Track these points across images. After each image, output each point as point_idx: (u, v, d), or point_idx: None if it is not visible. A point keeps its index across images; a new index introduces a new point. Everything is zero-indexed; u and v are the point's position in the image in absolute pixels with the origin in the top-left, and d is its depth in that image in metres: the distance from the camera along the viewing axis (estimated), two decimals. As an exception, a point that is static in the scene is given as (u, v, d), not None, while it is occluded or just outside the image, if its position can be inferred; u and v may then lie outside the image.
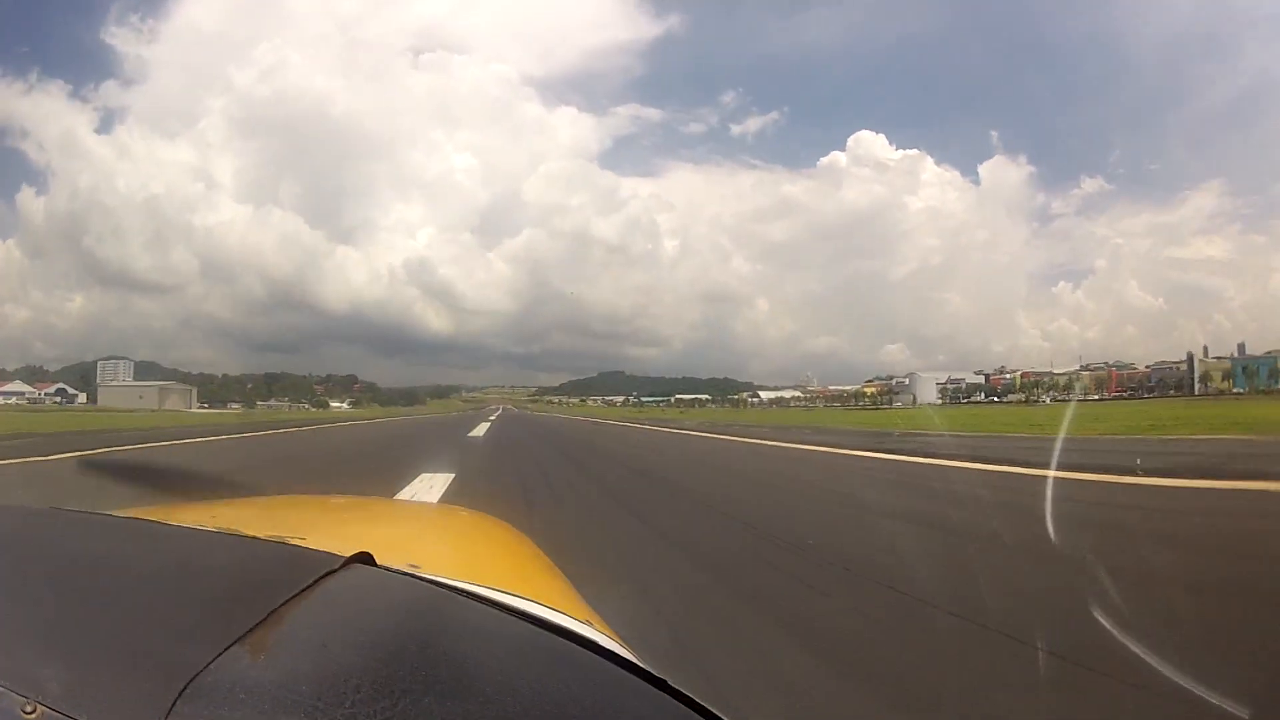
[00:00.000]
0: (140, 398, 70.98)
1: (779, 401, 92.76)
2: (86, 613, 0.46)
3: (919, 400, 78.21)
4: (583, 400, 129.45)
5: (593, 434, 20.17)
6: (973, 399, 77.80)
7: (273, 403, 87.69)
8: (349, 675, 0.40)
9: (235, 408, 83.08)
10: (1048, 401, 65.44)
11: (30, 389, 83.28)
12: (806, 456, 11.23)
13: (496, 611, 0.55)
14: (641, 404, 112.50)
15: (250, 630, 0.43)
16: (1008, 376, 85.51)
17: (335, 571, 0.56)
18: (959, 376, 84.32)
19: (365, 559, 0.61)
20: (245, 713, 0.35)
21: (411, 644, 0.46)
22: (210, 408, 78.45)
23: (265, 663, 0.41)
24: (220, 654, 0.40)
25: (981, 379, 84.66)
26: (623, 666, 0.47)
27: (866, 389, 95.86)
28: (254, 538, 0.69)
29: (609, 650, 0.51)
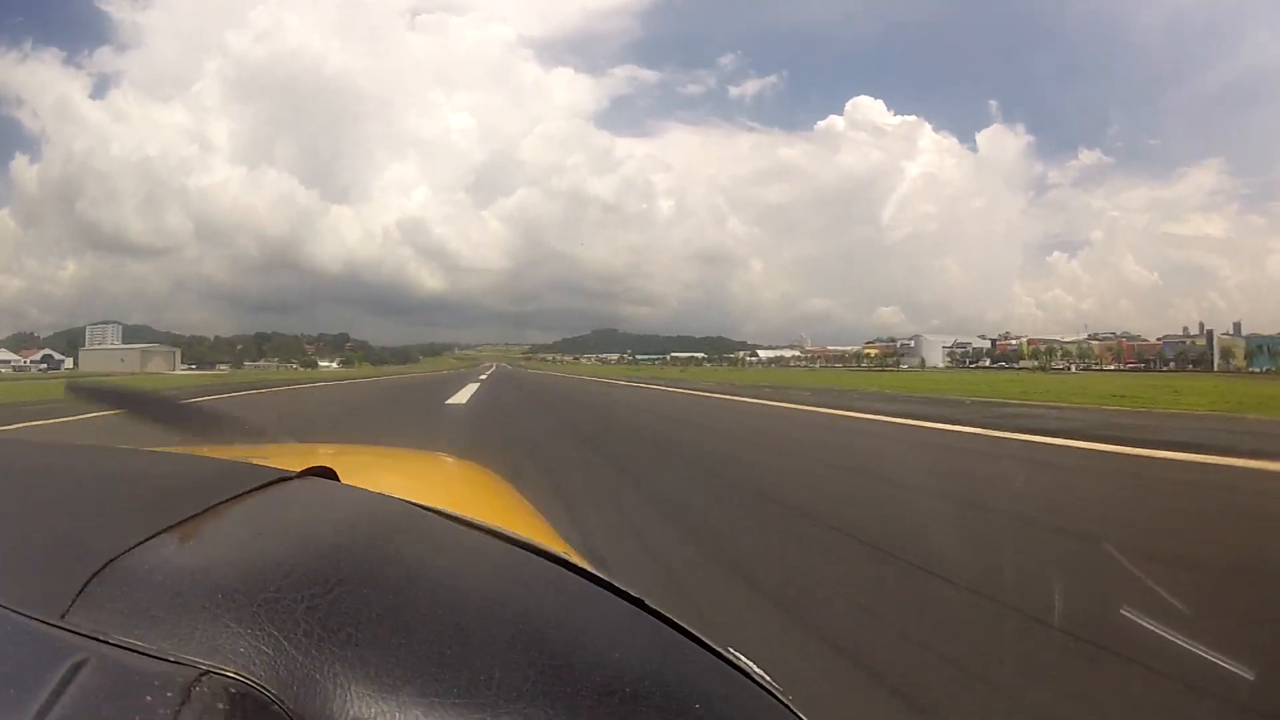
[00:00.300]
0: (122, 361, 67.91)
1: (778, 361, 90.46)
2: (14, 515, 0.45)
3: (926, 363, 75.85)
4: (576, 358, 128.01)
5: (602, 398, 17.57)
6: (980, 364, 75.01)
7: (261, 363, 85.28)
8: (280, 564, 0.38)
9: (222, 369, 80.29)
10: (1072, 370, 62.67)
11: (16, 356, 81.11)
12: (902, 434, 8.25)
13: (462, 528, 0.51)
14: (636, 362, 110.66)
15: (182, 522, 0.42)
16: (1014, 342, 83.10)
17: (290, 480, 0.53)
18: (965, 340, 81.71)
19: (328, 475, 0.57)
20: (161, 594, 0.35)
21: (359, 543, 0.44)
22: (196, 369, 76.51)
23: (191, 550, 0.40)
24: (144, 540, 0.39)
25: (987, 343, 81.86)
26: (592, 582, 0.45)
27: (868, 350, 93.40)
28: (214, 457, 0.67)
29: (583, 569, 0.47)
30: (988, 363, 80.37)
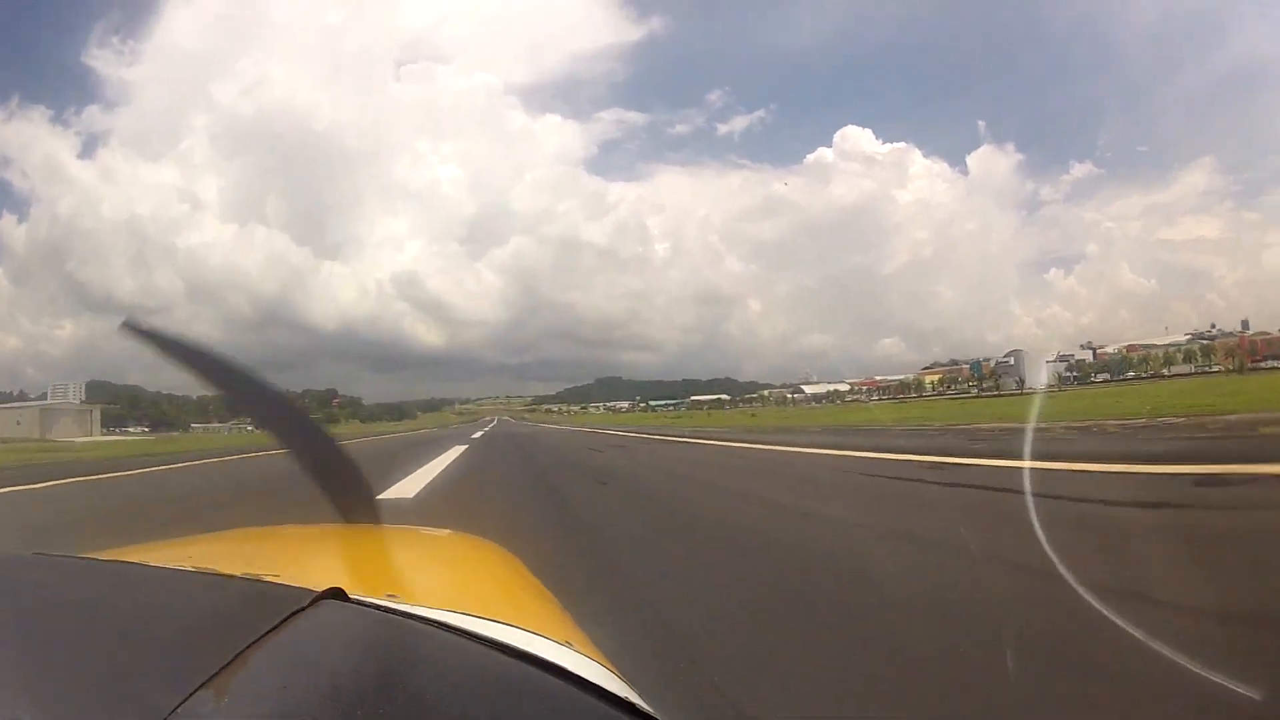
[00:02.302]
0: (18, 424, 55.83)
1: (828, 397, 79.87)
2: (60, 656, 0.46)
3: (1026, 382, 65.59)
4: (583, 408, 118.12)
5: (679, 477, 7.44)
6: (1088, 380, 65.08)
7: (214, 425, 76.33)
8: (304, 717, 0.40)
9: (136, 432, 71.74)
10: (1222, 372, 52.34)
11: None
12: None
13: (466, 641, 0.54)
14: (651, 409, 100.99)
15: (216, 673, 0.43)
16: (1112, 351, 73.19)
17: (305, 609, 0.54)
18: (1067, 354, 71.58)
19: (337, 594, 0.59)
20: None
21: (371, 681, 0.46)
22: (115, 433, 66.20)
23: (228, 707, 0.41)
24: (186, 699, 0.39)
25: (1089, 355, 71.58)
26: (599, 696, 0.47)
27: (926, 376, 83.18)
28: (227, 575, 0.68)
29: (584, 679, 0.50)
30: (1107, 377, 67.46)
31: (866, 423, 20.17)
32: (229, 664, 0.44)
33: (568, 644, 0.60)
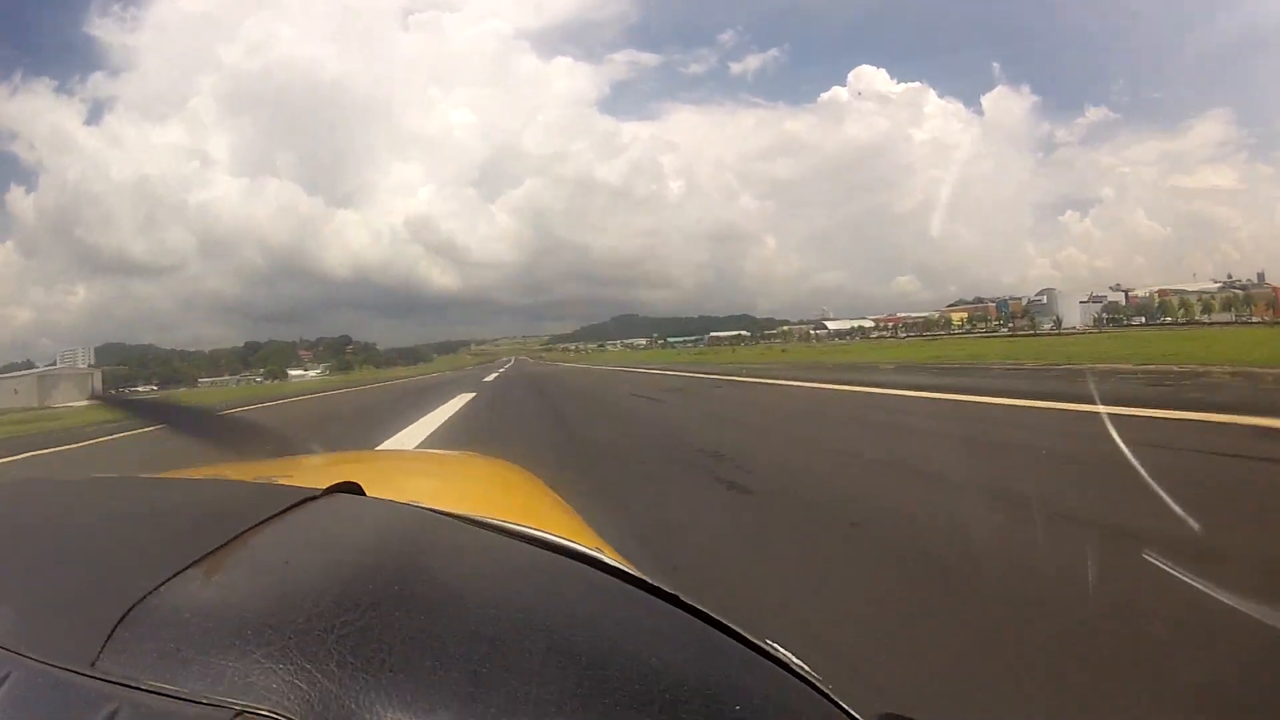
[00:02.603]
0: (15, 392, 53.26)
1: (852, 333, 77.09)
2: (41, 560, 0.44)
3: (1064, 323, 62.74)
4: (600, 346, 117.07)
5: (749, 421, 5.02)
6: (1123, 323, 61.97)
7: (223, 378, 74.54)
8: (309, 591, 0.37)
9: (145, 391, 69.63)
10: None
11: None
12: None
13: (492, 534, 0.51)
14: (670, 345, 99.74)
15: (208, 555, 0.41)
16: (1142, 294, 69.80)
17: (315, 499, 0.52)
18: (1100, 295, 68.14)
19: (352, 489, 0.57)
20: (188, 633, 0.34)
21: (388, 561, 0.44)
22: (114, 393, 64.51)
23: (219, 584, 0.39)
24: (170, 579, 0.38)
25: (1121, 297, 68.24)
26: (631, 583, 0.44)
27: (952, 315, 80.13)
28: (236, 480, 0.67)
29: (617, 568, 0.47)
30: (1143, 320, 64.77)
31: (932, 360, 17.29)
32: (224, 546, 0.42)
33: (597, 550, 0.56)
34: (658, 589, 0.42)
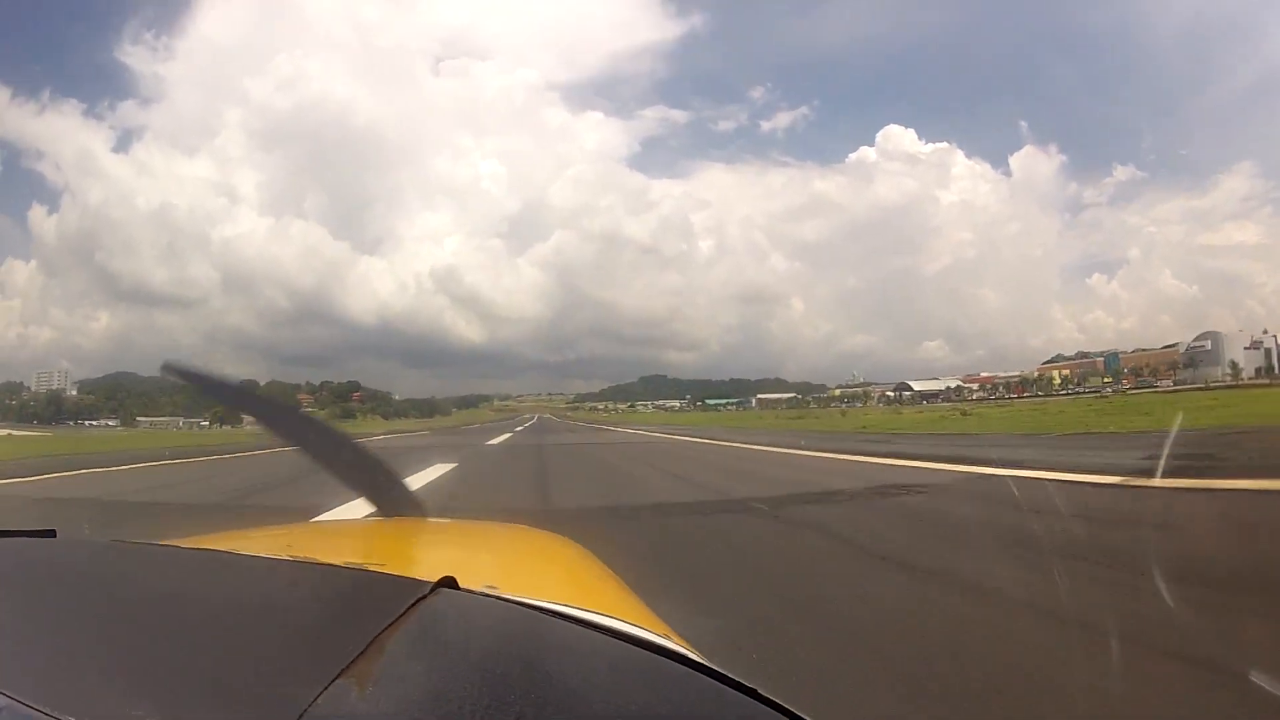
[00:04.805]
0: None
1: (944, 395, 66.96)
2: (173, 649, 0.43)
3: (1245, 372, 51.17)
4: (631, 406, 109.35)
5: None
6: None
7: (160, 420, 67.71)
8: (462, 701, 0.38)
9: (98, 424, 64.38)
10: None
11: None
12: None
13: (585, 630, 0.54)
14: (708, 407, 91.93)
15: (352, 662, 0.41)
16: None
17: (425, 598, 0.53)
18: (1259, 339, 57.38)
19: (449, 583, 0.58)
20: None
21: (515, 666, 0.45)
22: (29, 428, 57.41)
23: (373, 694, 0.39)
24: (325, 688, 0.37)
25: (1274, 342, 57.23)
26: (714, 678, 0.46)
27: (1050, 371, 69.88)
28: (334, 565, 0.67)
29: (699, 663, 0.49)
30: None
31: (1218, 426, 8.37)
32: (363, 652, 0.42)
33: (667, 637, 0.58)
34: (738, 682, 0.44)
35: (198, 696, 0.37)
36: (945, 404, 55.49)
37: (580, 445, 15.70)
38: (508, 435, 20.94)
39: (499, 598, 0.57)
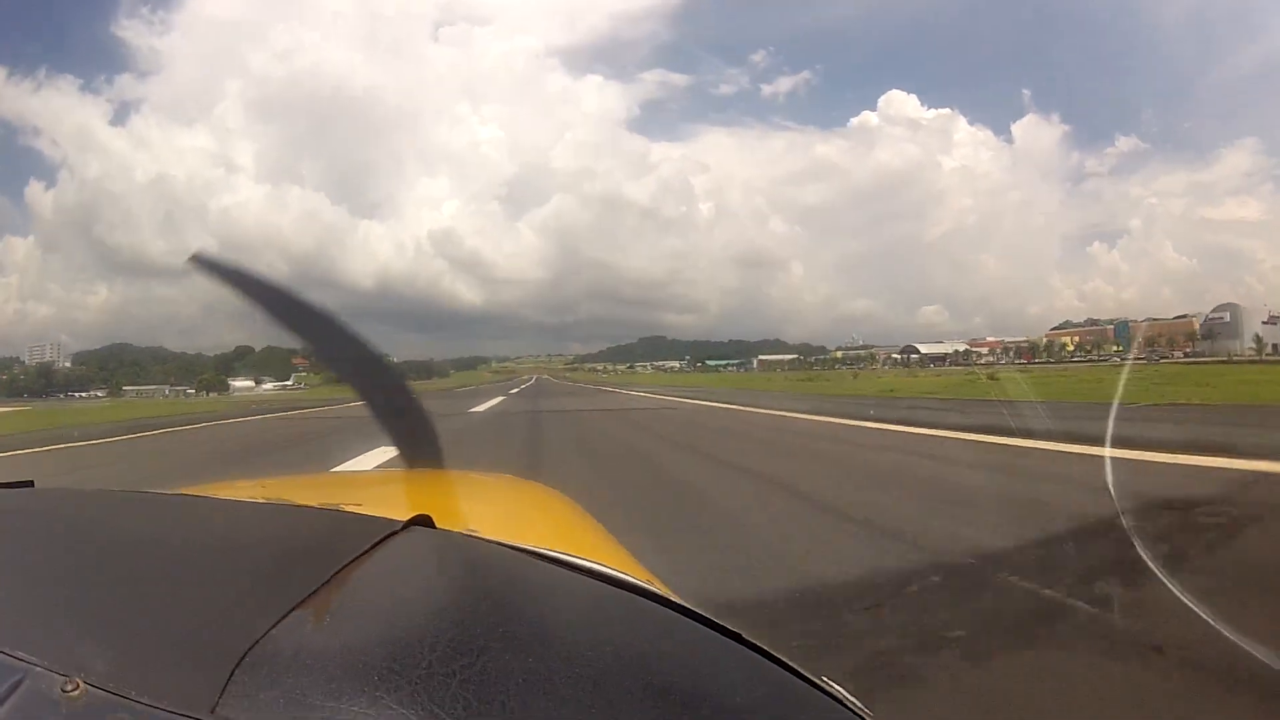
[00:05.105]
0: None
1: (951, 359, 65.82)
2: (133, 589, 0.43)
3: (1268, 344, 49.86)
4: (630, 367, 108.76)
5: None
6: None
7: (147, 389, 66.92)
8: (422, 635, 0.37)
9: (87, 395, 62.76)
10: None
11: None
12: None
13: (564, 570, 0.54)
14: (710, 369, 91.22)
15: (311, 594, 0.40)
16: None
17: (396, 534, 0.53)
18: (1276, 314, 56.16)
19: (424, 521, 0.58)
20: (313, 679, 0.33)
21: (485, 603, 0.45)
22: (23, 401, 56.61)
23: (331, 627, 0.38)
24: (280, 620, 0.37)
25: None
26: (696, 620, 0.46)
27: (1061, 337, 68.92)
28: (307, 506, 0.67)
29: (681, 605, 0.49)
30: None
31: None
32: (325, 585, 0.42)
33: (650, 582, 0.58)
34: (720, 625, 0.44)
35: (152, 632, 0.37)
36: (954, 367, 54.51)
37: (588, 415, 12.75)
38: (499, 399, 18.90)
39: (475, 537, 0.57)
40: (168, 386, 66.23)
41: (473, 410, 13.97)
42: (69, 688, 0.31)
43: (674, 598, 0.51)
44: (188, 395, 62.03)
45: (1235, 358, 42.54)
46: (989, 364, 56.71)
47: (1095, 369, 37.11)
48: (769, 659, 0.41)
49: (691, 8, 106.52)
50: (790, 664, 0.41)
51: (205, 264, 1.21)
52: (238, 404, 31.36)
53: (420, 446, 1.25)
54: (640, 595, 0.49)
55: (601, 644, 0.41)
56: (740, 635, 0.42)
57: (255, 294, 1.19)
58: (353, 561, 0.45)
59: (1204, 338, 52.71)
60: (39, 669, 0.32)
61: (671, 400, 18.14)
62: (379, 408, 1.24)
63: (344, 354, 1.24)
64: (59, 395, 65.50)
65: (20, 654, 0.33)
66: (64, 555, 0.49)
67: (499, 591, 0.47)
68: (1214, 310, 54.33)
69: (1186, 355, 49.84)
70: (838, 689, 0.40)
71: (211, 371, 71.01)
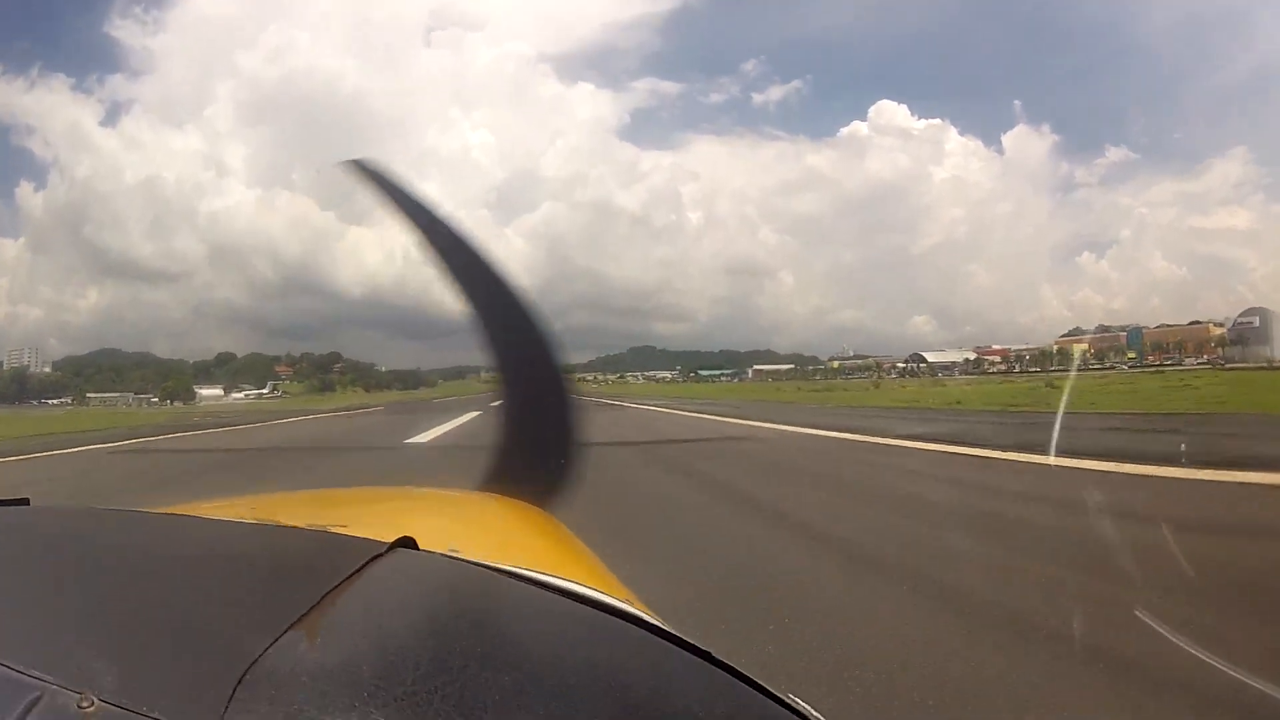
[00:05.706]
0: None
1: (960, 368, 63.38)
2: (136, 605, 0.45)
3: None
4: (621, 377, 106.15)
5: None
6: None
7: (111, 396, 62.67)
8: (406, 654, 0.40)
9: (57, 401, 59.05)
10: None
11: None
12: None
13: (543, 591, 0.56)
14: (702, 379, 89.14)
15: (303, 615, 0.42)
16: None
17: (380, 556, 0.55)
18: None
19: (408, 544, 0.60)
20: (309, 695, 0.35)
21: (464, 623, 0.47)
22: None
23: (323, 646, 0.40)
24: (276, 639, 0.39)
25: None
26: (667, 640, 0.48)
27: (1069, 344, 67.27)
28: (295, 527, 0.69)
29: (652, 624, 0.51)
30: None
31: None
32: (315, 606, 0.43)
33: (627, 601, 0.60)
34: (693, 646, 0.45)
35: (157, 648, 0.38)
36: (964, 376, 52.01)
37: (618, 455, 7.95)
38: (471, 416, 14.36)
39: (456, 559, 0.58)
40: (131, 394, 62.63)
41: (409, 441, 10.27)
42: (84, 704, 0.32)
43: (648, 617, 0.53)
44: (151, 404, 58.57)
45: (1276, 364, 40.18)
46: (1004, 372, 54.41)
47: (1140, 376, 34.52)
48: (738, 678, 0.42)
49: (683, 17, 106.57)
50: (759, 682, 0.42)
51: (362, 169, 1.19)
52: (179, 416, 27.95)
53: (551, 480, 1.21)
54: (614, 615, 0.51)
55: (574, 663, 0.43)
56: (710, 654, 0.44)
57: (404, 204, 1.16)
58: (342, 583, 0.47)
59: (1233, 343, 50.59)
60: (54, 687, 0.33)
61: (710, 418, 14.53)
62: (514, 412, 1.17)
63: (497, 326, 1.14)
64: (32, 402, 63.03)
65: (35, 672, 0.34)
66: (68, 573, 0.50)
67: (478, 612, 0.50)
68: (1242, 315, 52.22)
69: (1210, 361, 47.59)
70: (805, 706, 0.42)
71: (187, 377, 67.23)
